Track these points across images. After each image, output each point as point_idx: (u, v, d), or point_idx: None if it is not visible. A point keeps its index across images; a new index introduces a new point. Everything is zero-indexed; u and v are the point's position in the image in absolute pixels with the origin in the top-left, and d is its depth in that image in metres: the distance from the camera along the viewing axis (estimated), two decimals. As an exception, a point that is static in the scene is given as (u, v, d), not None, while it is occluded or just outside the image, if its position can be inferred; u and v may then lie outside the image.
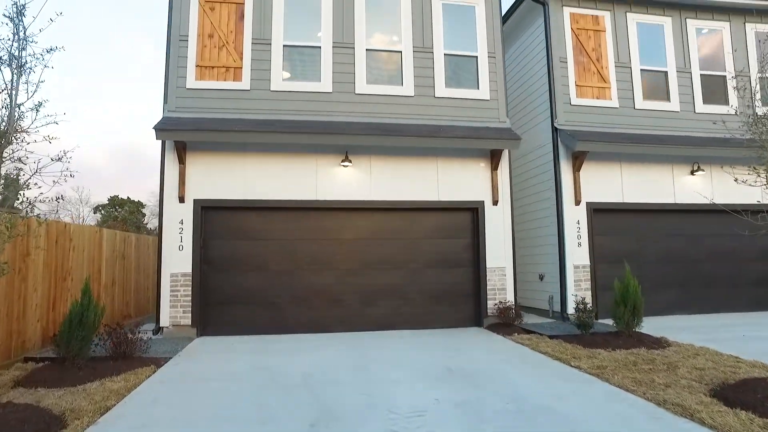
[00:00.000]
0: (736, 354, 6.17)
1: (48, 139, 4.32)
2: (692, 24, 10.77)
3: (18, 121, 4.24)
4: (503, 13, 10.05)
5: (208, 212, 8.38)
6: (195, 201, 8.25)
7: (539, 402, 4.59)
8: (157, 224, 31.32)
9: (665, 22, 10.63)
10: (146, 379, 5.54)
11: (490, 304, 8.95)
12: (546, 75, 10.03)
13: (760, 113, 5.59)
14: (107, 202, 27.99)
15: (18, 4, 4.22)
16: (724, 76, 10.76)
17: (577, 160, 9.50)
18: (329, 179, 8.74)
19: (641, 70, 10.29)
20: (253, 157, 8.56)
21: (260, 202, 8.45)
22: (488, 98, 9.39)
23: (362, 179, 8.85)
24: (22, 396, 4.83)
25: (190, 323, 8.03)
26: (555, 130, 9.70)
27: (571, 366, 5.94)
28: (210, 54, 8.67)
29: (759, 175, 5.22)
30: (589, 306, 7.76)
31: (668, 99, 10.35)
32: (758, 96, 6.58)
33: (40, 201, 4.51)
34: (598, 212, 9.68)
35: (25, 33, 4.26)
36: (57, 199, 4.73)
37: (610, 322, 7.94)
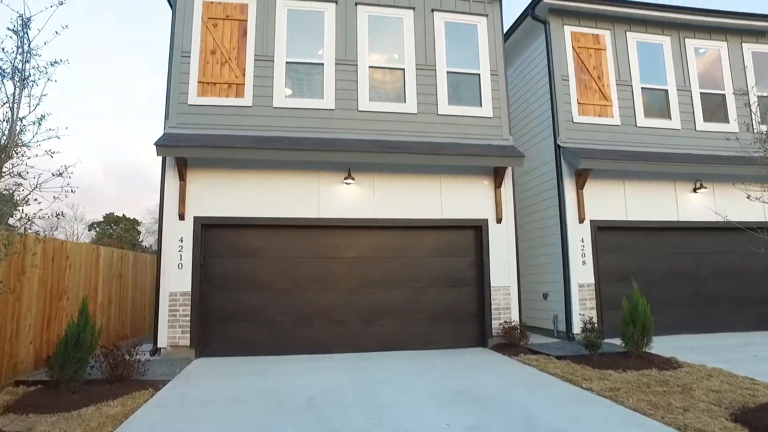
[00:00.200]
0: (750, 376, 6.03)
1: (50, 153, 4.20)
2: (690, 43, 10.87)
3: (19, 135, 4.13)
4: (505, 31, 10.09)
5: (208, 230, 8.23)
6: (195, 218, 8.11)
7: (554, 426, 4.43)
8: (152, 242, 31.11)
9: (664, 41, 10.73)
10: (144, 403, 5.33)
11: (495, 323, 8.79)
12: (548, 92, 10.05)
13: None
14: (102, 220, 27.73)
15: (24, 17, 4.14)
16: (724, 95, 10.84)
17: (581, 177, 9.45)
18: (331, 197, 8.63)
19: (642, 88, 10.33)
20: (255, 174, 8.45)
21: (261, 219, 8.31)
22: (491, 116, 9.37)
23: (365, 197, 8.75)
24: (13, 423, 4.61)
25: (188, 344, 7.81)
26: (558, 147, 9.67)
27: (583, 388, 5.77)
28: (212, 70, 8.62)
29: (773, 192, 5.13)
30: (596, 326, 7.61)
31: (669, 117, 10.38)
32: None
33: (39, 217, 4.37)
34: (602, 230, 9.60)
35: (29, 45, 4.18)
36: (57, 215, 4.60)
37: (617, 341, 7.82)
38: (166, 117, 8.38)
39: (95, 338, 6.02)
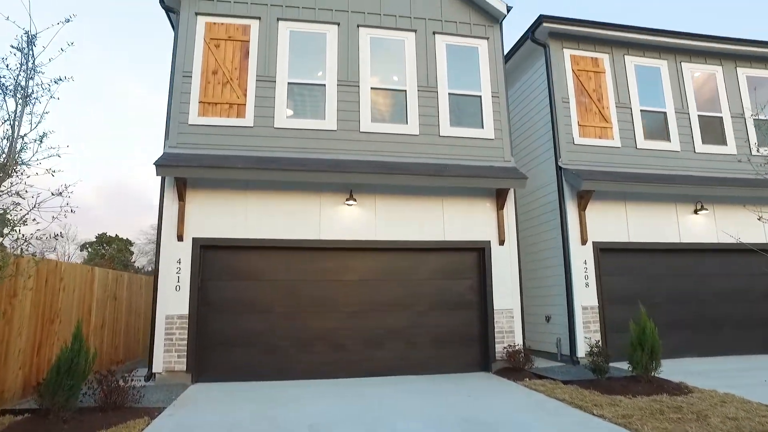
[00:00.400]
0: (766, 402, 5.89)
1: (50, 172, 4.08)
2: (687, 67, 11.00)
3: (20, 153, 4.01)
4: (505, 53, 10.17)
5: (207, 251, 8.07)
6: (194, 240, 7.95)
7: (571, 457, 4.25)
8: (144, 263, 30.69)
9: (661, 65, 10.86)
10: (140, 432, 5.10)
11: (498, 347, 8.62)
12: (548, 114, 10.09)
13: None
14: (95, 240, 27.37)
15: (30, 34, 4.06)
16: (721, 117, 10.94)
17: (583, 199, 9.42)
18: (333, 218, 8.52)
19: (641, 110, 10.40)
20: (256, 194, 8.34)
21: (262, 241, 8.17)
22: (493, 137, 9.36)
23: (367, 218, 8.64)
24: (1, 455, 4.37)
25: (185, 369, 7.56)
26: (559, 169, 9.65)
27: (594, 415, 5.61)
28: (213, 90, 8.58)
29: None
30: (603, 349, 7.47)
31: (668, 139, 10.43)
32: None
33: (36, 238, 4.22)
34: (604, 252, 9.53)
35: (34, 62, 4.10)
36: (56, 236, 4.44)
37: (623, 365, 7.68)
38: (166, 136, 8.29)
39: (89, 364, 5.79)
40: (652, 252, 9.86)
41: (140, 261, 30.05)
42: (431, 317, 8.76)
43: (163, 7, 8.95)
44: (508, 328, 8.78)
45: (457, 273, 9.02)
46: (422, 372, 8.39)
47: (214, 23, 8.82)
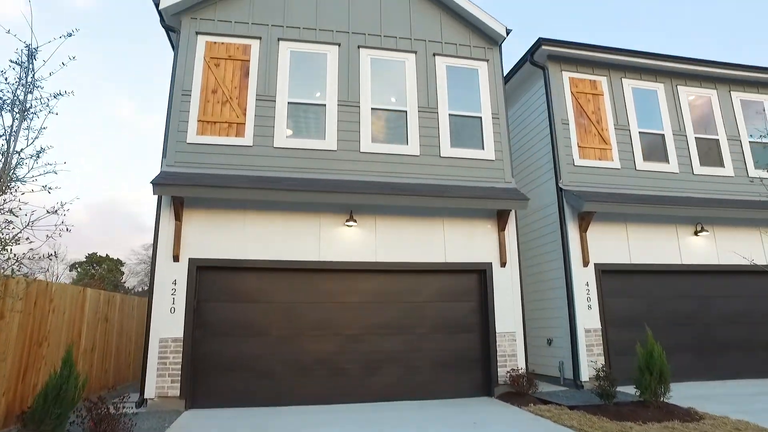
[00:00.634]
0: (779, 429, 5.73)
1: (46, 189, 3.93)
2: (683, 90, 11.12)
3: (15, 169, 3.86)
4: (504, 74, 10.22)
5: (203, 272, 7.86)
6: (190, 260, 7.75)
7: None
8: (135, 283, 30.18)
9: (658, 87, 10.96)
10: (132, 464, 4.82)
11: (501, 371, 8.41)
12: (548, 136, 10.10)
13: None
14: (85, 260, 26.92)
15: (30, 47, 3.95)
16: (717, 140, 11.01)
17: (584, 220, 9.36)
18: (333, 239, 8.37)
19: (639, 132, 10.45)
20: (254, 215, 8.19)
21: (260, 262, 7.98)
22: (493, 158, 9.32)
23: (367, 239, 8.50)
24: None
25: (178, 394, 7.28)
26: (560, 190, 9.61)
27: (606, 443, 5.41)
28: (213, 109, 8.49)
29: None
30: (609, 373, 7.30)
31: (667, 161, 10.46)
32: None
33: (29, 258, 4.04)
34: (606, 273, 9.44)
35: (33, 76, 3.98)
36: (49, 256, 4.27)
37: (628, 389, 7.51)
38: (164, 155, 8.16)
39: (79, 391, 5.53)
40: (653, 274, 9.78)
41: (130, 282, 29.59)
42: (432, 340, 8.56)
43: (163, 26, 8.92)
44: (511, 352, 8.59)
45: (458, 295, 8.86)
46: (424, 397, 8.15)
47: (215, 42, 8.79)
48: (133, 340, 11.08)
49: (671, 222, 9.97)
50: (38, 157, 3.97)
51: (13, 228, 4.08)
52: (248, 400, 7.57)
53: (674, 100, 10.96)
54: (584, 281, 9.26)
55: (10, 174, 3.83)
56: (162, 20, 8.77)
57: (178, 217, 7.78)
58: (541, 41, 10.01)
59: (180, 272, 7.67)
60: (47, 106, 4.05)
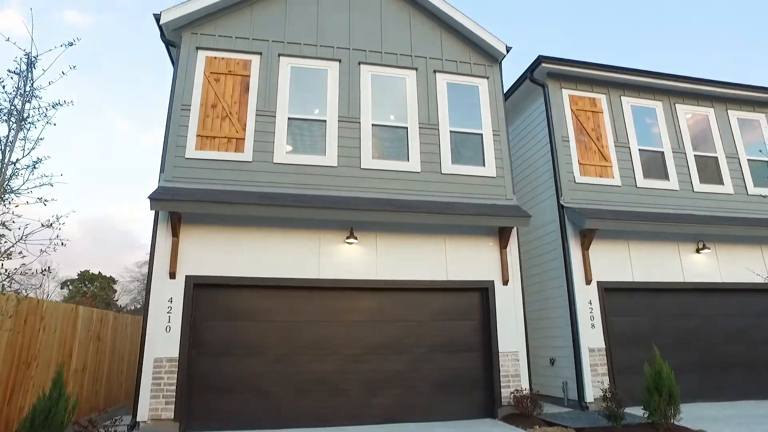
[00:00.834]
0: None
1: (42, 201, 3.79)
2: (681, 108, 11.17)
3: (10, 180, 3.72)
4: (505, 91, 10.23)
5: (200, 290, 7.67)
6: (187, 277, 7.56)
7: None
8: (127, 301, 29.71)
9: (657, 105, 11.01)
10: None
11: (504, 392, 8.21)
12: (548, 153, 10.07)
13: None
14: (77, 277, 26.52)
15: (30, 56, 3.86)
16: (716, 157, 11.03)
17: (586, 238, 9.27)
18: (333, 256, 8.22)
19: (639, 150, 10.45)
20: (252, 231, 8.04)
21: (258, 280, 7.81)
22: (494, 175, 9.26)
23: (367, 257, 8.36)
24: None
25: (172, 416, 7.02)
26: (561, 207, 9.54)
27: (617, 468, 5.22)
28: (212, 124, 8.41)
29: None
30: (616, 394, 7.11)
31: (667, 178, 10.44)
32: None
33: (21, 273, 3.88)
34: (609, 292, 9.31)
35: (32, 85, 3.87)
36: (43, 271, 4.10)
37: (635, 411, 7.33)
38: (162, 170, 8.03)
39: (69, 414, 5.31)
40: (656, 292, 9.67)
41: (123, 299, 29.16)
42: (434, 360, 8.37)
43: (164, 41, 8.88)
44: (514, 372, 8.40)
45: (460, 314, 8.70)
46: (425, 418, 7.93)
47: (215, 57, 8.76)
48: (125, 360, 10.80)
49: (673, 239, 9.90)
50: (34, 168, 3.84)
51: (5, 242, 3.93)
52: (245, 422, 7.32)
53: (672, 117, 11.00)
54: (587, 299, 9.13)
55: (5, 185, 3.70)
56: (162, 35, 8.73)
57: (175, 234, 7.62)
58: (540, 59, 10.05)
59: (176, 290, 7.48)
60: (45, 116, 3.94)
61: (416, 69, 9.56)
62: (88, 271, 26.24)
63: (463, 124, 9.47)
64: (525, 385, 8.34)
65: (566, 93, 10.35)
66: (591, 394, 8.59)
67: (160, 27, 8.56)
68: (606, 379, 8.67)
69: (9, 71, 3.83)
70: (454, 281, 8.62)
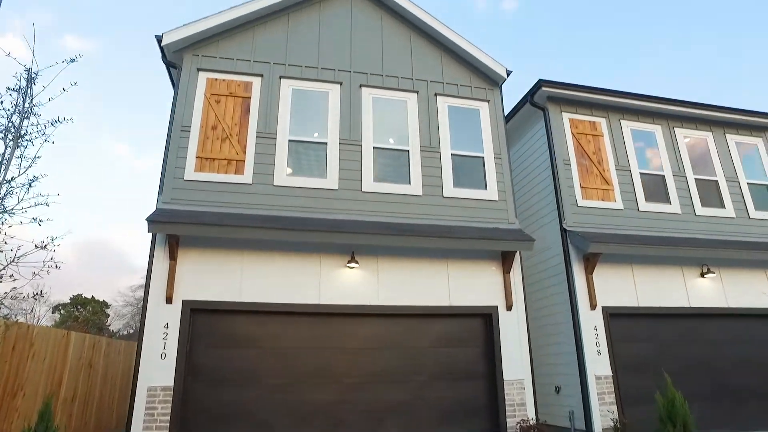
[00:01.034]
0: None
1: (37, 221, 3.63)
2: (680, 132, 11.20)
3: (5, 199, 3.57)
4: (505, 114, 10.24)
5: (197, 315, 7.44)
6: (184, 302, 7.34)
7: None
8: (120, 326, 29.13)
9: (656, 129, 11.04)
10: None
11: (510, 422, 7.95)
12: (550, 176, 10.02)
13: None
14: (68, 302, 26.05)
15: (30, 71, 3.75)
16: (717, 181, 11.01)
17: (590, 262, 9.13)
18: (333, 281, 8.03)
19: (640, 173, 10.42)
20: (252, 255, 7.86)
21: (257, 305, 7.59)
22: (496, 198, 9.17)
23: (369, 282, 8.18)
24: None
25: (165, 449, 6.70)
26: (564, 231, 9.44)
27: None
28: (212, 146, 8.31)
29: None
30: (627, 424, 6.88)
31: (669, 201, 10.38)
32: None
33: (12, 297, 3.69)
34: (614, 317, 9.13)
35: (31, 102, 3.75)
36: (35, 296, 3.91)
37: (646, 442, 7.07)
38: (160, 192, 7.89)
39: (57, 447, 5.03)
40: (661, 317, 9.49)
41: (115, 324, 28.64)
42: (437, 388, 8.11)
43: (165, 63, 8.85)
44: (520, 401, 8.14)
45: (464, 340, 8.48)
46: (429, 451, 7.63)
47: (216, 79, 8.72)
48: (117, 387, 10.45)
49: (677, 263, 9.78)
50: (30, 186, 3.70)
51: (-5, 265, 3.76)
52: (241, 455, 7.01)
53: (672, 141, 11.02)
54: (592, 325, 8.94)
55: (-3, 205, 3.56)
56: (164, 56, 8.71)
57: (172, 257, 7.43)
58: (540, 83, 10.09)
59: (173, 315, 7.25)
60: (43, 133, 3.83)
61: (417, 92, 9.57)
62: (80, 295, 25.80)
63: (464, 148, 9.43)
64: (531, 414, 8.08)
65: (566, 116, 10.36)
66: (599, 423, 8.33)
67: (161, 48, 8.55)
68: (614, 408, 8.42)
69: (8, 88, 3.73)
70: (457, 306, 8.44)
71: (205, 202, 7.93)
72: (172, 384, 6.94)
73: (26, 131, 3.74)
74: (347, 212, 8.42)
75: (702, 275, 9.79)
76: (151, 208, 7.86)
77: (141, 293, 27.10)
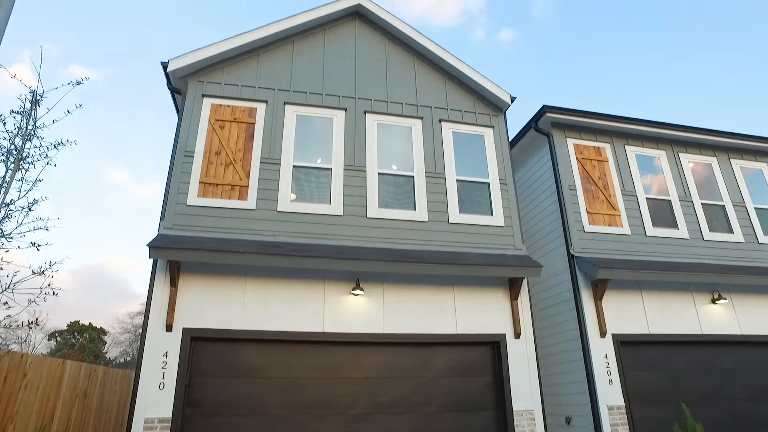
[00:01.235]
0: None
1: (35, 246, 3.51)
2: (684, 157, 11.17)
3: (3, 223, 3.46)
4: (510, 139, 10.22)
5: (197, 344, 7.23)
6: (184, 330, 7.14)
7: None
8: (117, 353, 28.62)
9: (660, 154, 11.01)
10: None
11: (521, 456, 7.64)
12: (556, 201, 9.93)
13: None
14: (66, 329, 25.66)
15: (35, 93, 3.69)
16: (723, 206, 10.92)
17: (598, 288, 8.96)
18: (338, 309, 7.84)
19: (646, 198, 10.33)
20: (254, 282, 7.70)
21: (260, 333, 7.39)
22: (503, 224, 9.06)
23: (374, 309, 7.99)
24: None
25: (162, 487, 6.41)
26: (571, 257, 9.29)
27: None
28: (215, 171, 8.25)
29: None
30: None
31: (676, 226, 10.27)
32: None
33: (6, 326, 3.54)
34: (625, 345, 8.91)
35: (35, 123, 3.68)
36: (29, 324, 3.76)
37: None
38: (162, 217, 7.78)
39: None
40: (673, 345, 9.26)
41: (112, 352, 28.18)
42: (444, 420, 7.83)
43: (169, 89, 8.86)
44: (530, 433, 7.85)
45: (471, 369, 8.24)
46: (436, 487, 7.30)
47: (220, 105, 8.72)
48: (112, 419, 10.12)
49: (687, 289, 9.60)
50: (29, 210, 3.59)
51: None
52: (241, 493, 6.70)
53: (677, 166, 10.98)
54: (603, 353, 8.71)
55: (-5, 230, 3.44)
56: (169, 82, 8.73)
57: (173, 283, 7.26)
58: (545, 109, 10.10)
59: (173, 343, 7.04)
60: (46, 156, 3.74)
61: (422, 118, 9.56)
62: (77, 322, 25.44)
63: (469, 173, 9.36)
64: (542, 447, 7.78)
65: (571, 142, 10.34)
66: (614, 457, 8.02)
67: (167, 74, 8.57)
68: (628, 441, 8.12)
69: (12, 111, 3.66)
70: (464, 335, 8.22)
71: (208, 227, 7.81)
72: (170, 416, 6.68)
73: (28, 153, 3.67)
74: (352, 238, 8.30)
75: (713, 301, 9.60)
76: (151, 234, 7.74)
77: (139, 320, 26.74)
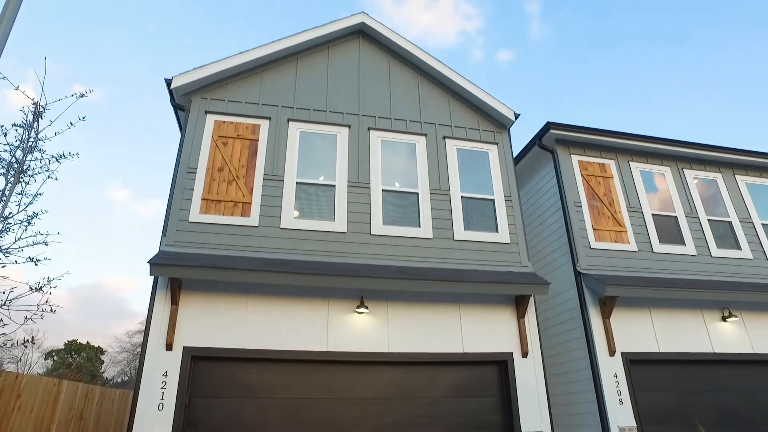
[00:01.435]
0: None
1: (34, 261, 3.40)
2: (689, 173, 11.11)
3: (0, 237, 3.36)
4: (515, 155, 10.17)
5: (198, 363, 7.06)
6: (185, 349, 6.98)
7: None
8: (114, 373, 28.21)
9: (665, 171, 10.95)
10: None
11: (531, 479, 7.39)
12: (561, 218, 9.84)
13: None
14: (63, 348, 25.32)
15: (38, 105, 3.63)
16: (730, 222, 10.81)
17: (606, 306, 8.80)
18: (342, 328, 7.69)
19: (652, 214, 10.24)
20: (257, 300, 7.56)
21: (262, 352, 7.22)
22: (508, 241, 8.95)
23: (379, 328, 7.83)
24: None
25: None
26: (578, 274, 9.16)
27: None
28: (218, 188, 8.17)
29: None
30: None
31: (683, 243, 10.16)
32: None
33: (0, 345, 3.41)
34: (635, 363, 8.71)
35: (36, 136, 3.61)
36: (24, 343, 3.63)
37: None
38: (164, 234, 7.68)
39: None
40: (684, 363, 9.06)
41: (110, 371, 27.78)
42: (451, 443, 7.60)
43: (173, 105, 8.85)
44: (540, 456, 7.62)
45: (478, 389, 8.04)
46: None
47: (224, 121, 8.70)
48: (109, 442, 9.86)
49: (696, 307, 9.44)
50: (29, 224, 3.49)
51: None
52: None
53: (682, 182, 10.91)
54: (612, 372, 8.51)
55: (-8, 244, 3.34)
56: (172, 99, 8.72)
57: (174, 301, 7.13)
58: (549, 125, 10.08)
59: (173, 362, 6.87)
60: (47, 168, 3.66)
61: (426, 135, 9.53)
62: (75, 341, 25.12)
63: (474, 190, 9.29)
64: (552, 471, 7.54)
65: (575, 158, 10.29)
66: (627, 482, 7.76)
67: (170, 91, 8.56)
68: (640, 464, 7.88)
69: (14, 124, 3.60)
70: (471, 353, 8.04)
71: (210, 244, 7.70)
72: (170, 439, 6.48)
73: (29, 166, 3.59)
74: (356, 256, 8.18)
75: (723, 319, 9.43)
76: (152, 252, 7.63)
77: (138, 339, 26.39)
